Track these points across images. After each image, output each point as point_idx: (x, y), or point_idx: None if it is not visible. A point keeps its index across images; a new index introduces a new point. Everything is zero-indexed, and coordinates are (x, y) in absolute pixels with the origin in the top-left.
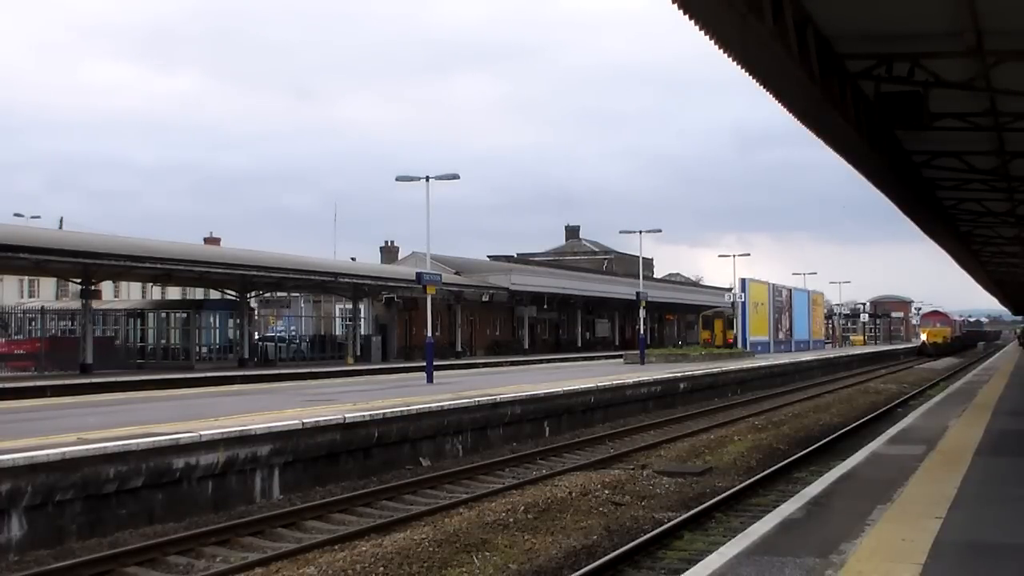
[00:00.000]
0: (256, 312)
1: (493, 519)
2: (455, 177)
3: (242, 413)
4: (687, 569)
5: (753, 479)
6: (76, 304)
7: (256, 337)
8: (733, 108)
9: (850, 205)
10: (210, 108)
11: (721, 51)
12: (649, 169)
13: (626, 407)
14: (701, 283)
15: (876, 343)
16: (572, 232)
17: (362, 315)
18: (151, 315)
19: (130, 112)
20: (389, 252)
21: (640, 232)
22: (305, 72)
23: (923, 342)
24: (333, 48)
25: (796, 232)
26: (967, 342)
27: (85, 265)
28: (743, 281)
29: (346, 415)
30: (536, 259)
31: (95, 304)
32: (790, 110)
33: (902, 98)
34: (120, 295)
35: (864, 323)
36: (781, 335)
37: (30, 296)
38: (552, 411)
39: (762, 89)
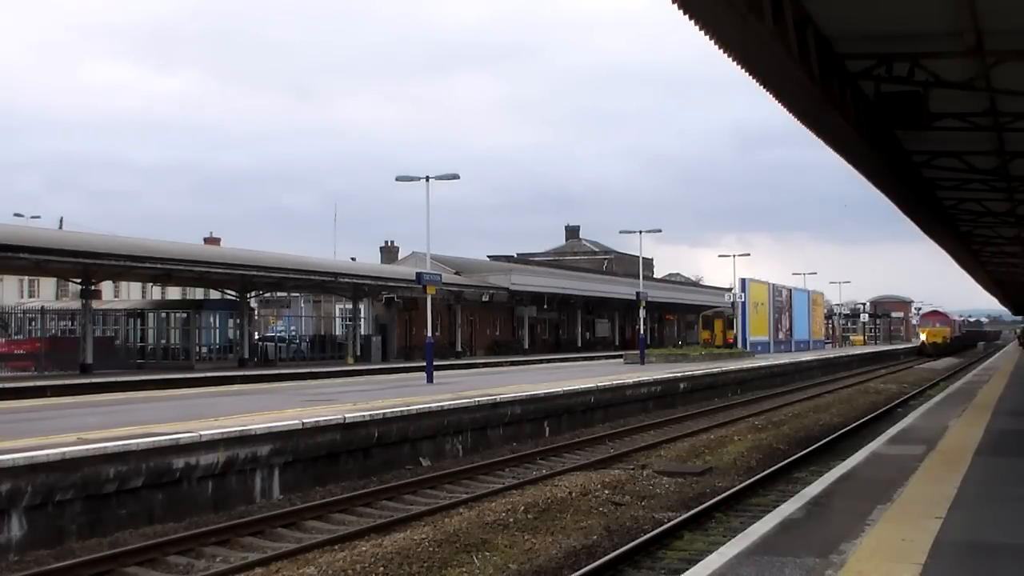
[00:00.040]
0: (256, 312)
1: (493, 519)
2: (455, 177)
3: (242, 413)
4: (687, 569)
5: (753, 479)
6: (76, 304)
7: (256, 337)
8: (733, 108)
9: (850, 205)
10: (210, 108)
11: (721, 51)
12: (649, 169)
13: (626, 407)
14: (701, 283)
15: (876, 343)
16: (572, 232)
17: (362, 315)
18: (151, 315)
19: (130, 112)
20: (389, 252)
21: (640, 232)
22: (305, 72)
23: (922, 342)
24: (333, 48)
25: (796, 232)
26: (967, 342)
27: (85, 265)
28: (743, 281)
29: (346, 415)
30: (536, 259)
31: (95, 304)
32: (790, 110)
33: (902, 98)
34: (120, 295)
35: (864, 323)
36: (781, 335)
37: (30, 296)
38: (552, 411)
39: (762, 89)
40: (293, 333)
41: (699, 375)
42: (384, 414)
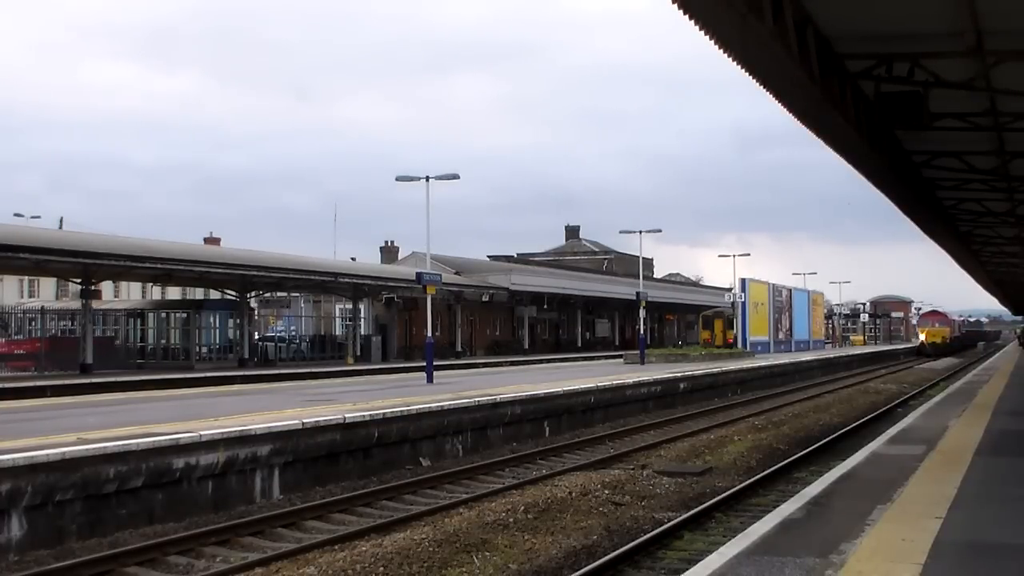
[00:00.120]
0: (256, 312)
1: (493, 519)
2: (455, 177)
3: (242, 413)
4: (687, 569)
5: (753, 479)
6: (76, 304)
7: (256, 337)
8: (733, 108)
9: (851, 205)
10: (210, 108)
11: (721, 51)
12: (649, 169)
13: (626, 407)
14: (701, 283)
15: (876, 343)
16: (572, 232)
17: (362, 315)
18: (151, 315)
19: (130, 112)
20: (389, 252)
21: (640, 232)
22: (305, 72)
23: (921, 342)
24: (333, 48)
25: (796, 232)
26: (967, 342)
27: (85, 265)
28: (743, 281)
29: (346, 415)
30: (536, 259)
31: (95, 304)
32: (790, 110)
33: (902, 98)
34: (120, 295)
35: (864, 323)
36: (781, 335)
37: (30, 296)
38: (552, 411)
39: (762, 89)
40: (293, 333)
41: (699, 375)
42: (384, 414)
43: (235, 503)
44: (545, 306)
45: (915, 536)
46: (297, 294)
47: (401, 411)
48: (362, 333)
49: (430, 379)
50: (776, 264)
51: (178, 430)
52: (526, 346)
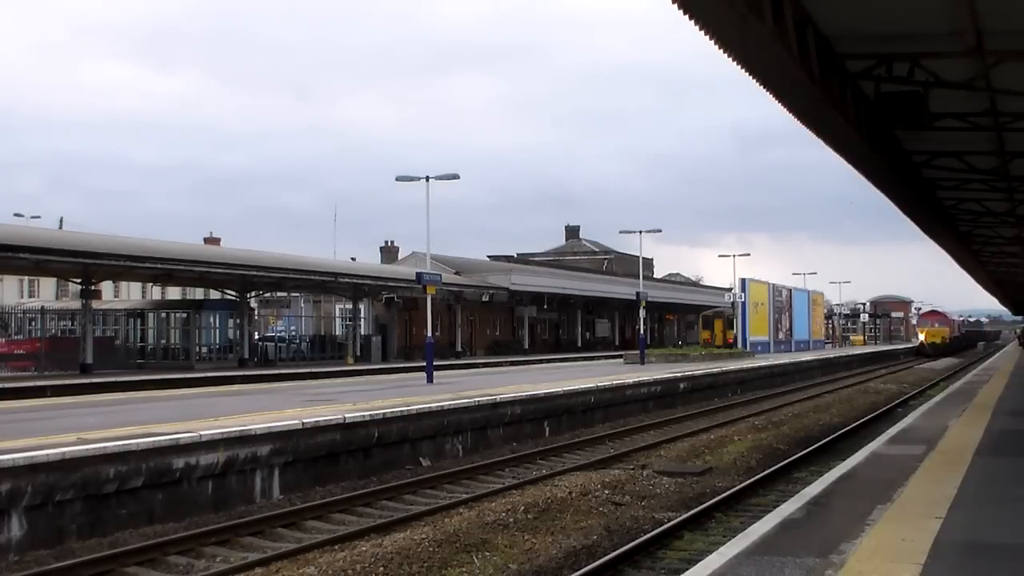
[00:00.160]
0: (256, 312)
1: (493, 519)
2: (455, 177)
3: (242, 413)
4: (687, 569)
5: (753, 479)
6: (76, 304)
7: (256, 337)
8: (733, 108)
9: (851, 204)
10: (210, 108)
11: (721, 51)
12: (649, 169)
13: (626, 407)
14: (701, 283)
15: (876, 343)
16: (572, 232)
17: (362, 315)
18: (151, 315)
19: (130, 112)
20: (389, 252)
21: (640, 232)
22: (305, 72)
23: (921, 342)
24: (333, 48)
25: (796, 232)
26: (966, 342)
27: (85, 265)
28: (743, 281)
29: (346, 415)
30: (536, 259)
31: (95, 304)
32: (790, 110)
33: (902, 98)
34: (120, 295)
35: (864, 323)
36: (781, 335)
37: (30, 296)
38: (552, 411)
39: (762, 89)
40: (293, 333)
41: (699, 375)
42: (384, 414)
43: (235, 503)
44: (545, 306)
45: (915, 536)
46: (297, 294)
47: (401, 411)
48: (362, 333)
49: (430, 379)
50: (776, 264)
51: (178, 430)
52: (526, 346)
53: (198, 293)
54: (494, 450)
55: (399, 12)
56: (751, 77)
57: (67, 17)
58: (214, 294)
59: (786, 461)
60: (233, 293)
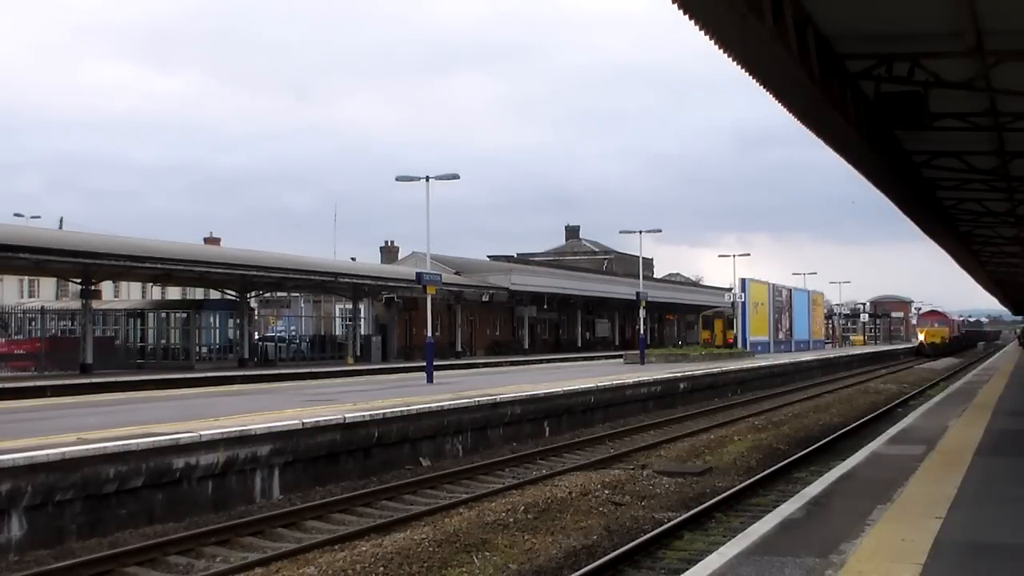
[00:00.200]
0: (256, 312)
1: (493, 519)
2: (455, 177)
3: (242, 413)
4: (687, 569)
5: (753, 479)
6: (76, 304)
7: (256, 337)
8: (733, 108)
9: (854, 204)
10: (210, 108)
11: (721, 51)
12: (649, 169)
13: (626, 407)
14: (701, 283)
15: (876, 343)
16: (572, 232)
17: (362, 315)
18: (151, 315)
19: (130, 112)
20: (389, 252)
21: (640, 232)
22: (305, 72)
23: (920, 342)
24: (333, 48)
25: (796, 232)
26: (966, 342)
27: (85, 265)
28: (743, 281)
29: (346, 415)
30: (536, 259)
31: (95, 304)
32: (790, 110)
33: (902, 98)
34: (120, 295)
35: (864, 323)
36: (781, 335)
37: (30, 296)
38: (552, 411)
39: (762, 89)
40: (293, 333)
41: (699, 375)
42: (384, 414)
43: (235, 503)
44: (545, 306)
45: (915, 536)
46: (297, 294)
47: (401, 411)
48: (362, 333)
49: (430, 379)
50: (776, 264)
51: (178, 430)
52: (526, 346)
53: (198, 293)
54: (494, 450)
55: (399, 12)
56: (751, 77)
57: (67, 17)
58: (214, 294)
59: (786, 461)
60: (233, 293)
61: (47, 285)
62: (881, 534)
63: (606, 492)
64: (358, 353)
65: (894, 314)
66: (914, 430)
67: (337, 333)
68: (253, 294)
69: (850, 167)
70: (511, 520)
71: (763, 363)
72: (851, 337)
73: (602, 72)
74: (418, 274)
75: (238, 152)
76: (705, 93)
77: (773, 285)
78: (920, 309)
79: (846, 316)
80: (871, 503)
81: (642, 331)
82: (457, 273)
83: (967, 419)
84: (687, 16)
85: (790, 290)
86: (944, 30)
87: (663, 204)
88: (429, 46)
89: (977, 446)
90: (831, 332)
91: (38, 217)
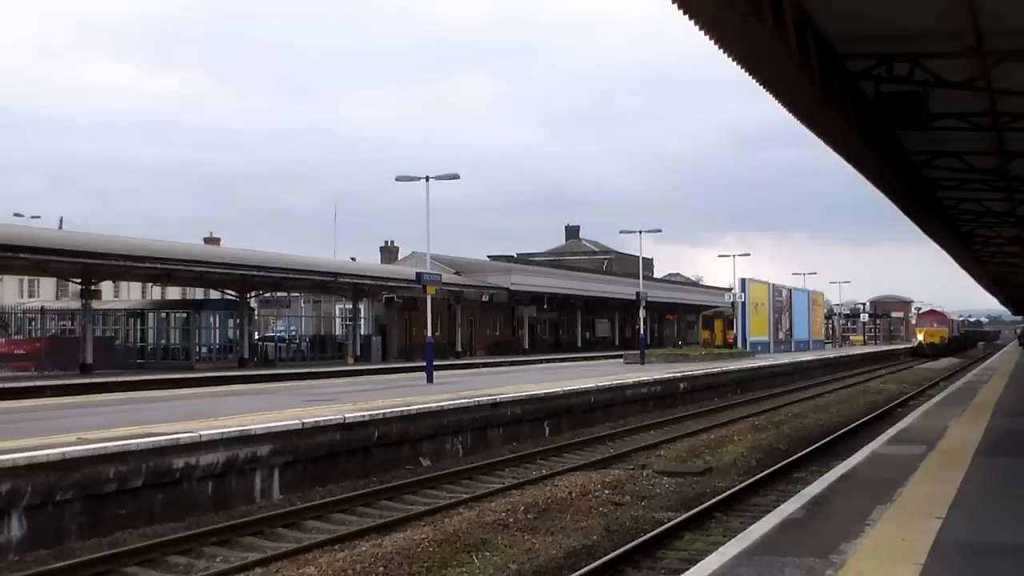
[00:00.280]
0: (256, 312)
1: (493, 519)
2: (455, 177)
3: (242, 413)
4: (687, 569)
5: (753, 479)
6: (76, 304)
7: (256, 337)
8: (733, 108)
9: (851, 205)
10: (210, 108)
11: (721, 51)
12: (649, 169)
13: (626, 407)
14: (701, 283)
15: (876, 343)
16: (572, 232)
17: (362, 315)
18: (151, 315)
19: (130, 112)
20: (389, 252)
21: (640, 232)
22: (305, 72)
23: (919, 342)
24: (333, 48)
25: (796, 232)
26: (966, 342)
27: (85, 265)
28: (743, 281)
29: (346, 415)
30: (536, 259)
31: (95, 304)
32: (790, 110)
33: (902, 98)
34: (120, 295)
35: (864, 323)
36: (781, 335)
37: (30, 296)
38: (552, 411)
39: (762, 89)
40: (293, 333)
41: (699, 375)
42: (384, 414)
43: (235, 503)
44: (545, 306)
45: (915, 536)
46: (297, 294)
47: (401, 411)
48: (362, 333)
49: (430, 379)
50: (776, 264)
51: (178, 430)
52: (526, 346)
53: (198, 293)
54: (494, 450)
55: (399, 12)
56: (751, 77)
57: (67, 17)
58: (214, 294)
59: (786, 461)
60: (233, 293)
61: (47, 285)
62: (881, 534)
63: (606, 492)
64: (358, 353)
65: (894, 314)
66: (914, 430)
67: (337, 333)
68: (253, 294)
69: (850, 167)
70: (511, 520)
71: (763, 363)
72: (851, 337)
73: (602, 72)
74: (418, 274)
75: (238, 152)
76: (705, 93)
77: (773, 285)
78: (920, 309)
79: (846, 316)
80: (871, 503)
81: (642, 331)
82: (457, 273)
83: (967, 419)
84: (687, 16)
85: (790, 290)
86: (944, 30)
87: (663, 204)
88: (429, 46)
89: (977, 446)
90: (831, 332)
91: (38, 217)
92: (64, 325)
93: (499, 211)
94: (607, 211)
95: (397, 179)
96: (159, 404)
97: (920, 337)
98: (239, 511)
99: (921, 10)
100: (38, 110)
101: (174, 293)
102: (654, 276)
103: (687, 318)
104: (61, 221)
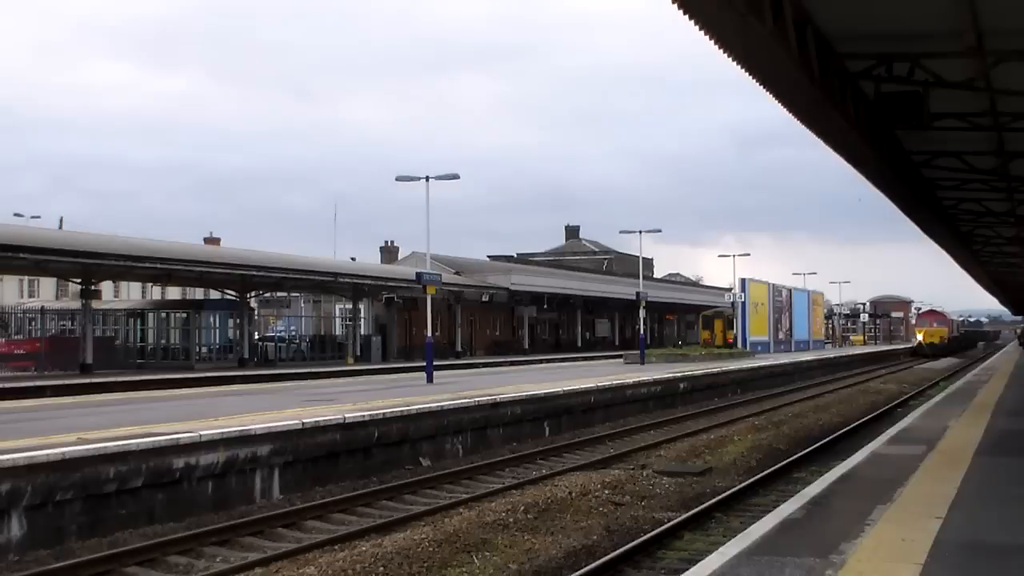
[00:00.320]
0: (256, 312)
1: (493, 519)
2: (455, 177)
3: (242, 413)
4: (687, 569)
5: (753, 479)
6: (76, 304)
7: (256, 337)
8: (733, 108)
9: (851, 205)
10: (210, 108)
11: (721, 51)
12: (649, 169)
13: (626, 407)
14: (701, 283)
15: (876, 343)
16: (572, 232)
17: (362, 315)
18: (151, 315)
19: (130, 112)
20: (389, 252)
21: (640, 232)
22: (305, 72)
23: (919, 342)
24: (333, 48)
25: (796, 232)
26: (966, 342)
27: (85, 265)
28: (743, 281)
29: (346, 415)
30: (536, 259)
31: (95, 304)
32: (790, 110)
33: (902, 98)
34: (120, 295)
35: (864, 323)
36: (781, 335)
37: (30, 296)
38: (552, 411)
39: (762, 89)
40: (293, 333)
41: (699, 375)
42: (384, 414)
43: (235, 503)
44: (545, 306)
45: (915, 536)
46: (297, 294)
47: (401, 411)
48: (362, 333)
49: (430, 379)
50: (776, 264)
51: (178, 430)
52: (526, 346)
53: (198, 293)
54: (494, 450)
55: (399, 12)
56: (751, 77)
57: (67, 17)
58: (214, 294)
59: (786, 461)
60: (233, 293)
61: (47, 285)
62: (881, 534)
63: (606, 492)
64: (358, 353)
65: (894, 314)
66: (914, 430)
67: (337, 333)
68: (253, 294)
69: (850, 167)
70: (511, 520)
71: (763, 363)
72: (851, 337)
73: (602, 72)
74: (418, 274)
75: (238, 152)
76: (705, 93)
77: (773, 285)
78: (920, 309)
79: (846, 316)
80: (871, 503)
81: (642, 331)
82: (457, 273)
83: (967, 419)
84: (687, 16)
85: (790, 290)
86: (944, 30)
87: (663, 204)
88: (429, 46)
89: (977, 446)
90: (831, 332)
91: (38, 217)
92: (64, 325)
93: (499, 211)
94: (607, 211)
95: (397, 179)
96: (159, 404)
97: (919, 337)
98: (239, 511)
99: (921, 10)
100: (38, 110)
101: (174, 293)
102: (654, 276)
103: (687, 318)
104: (61, 221)
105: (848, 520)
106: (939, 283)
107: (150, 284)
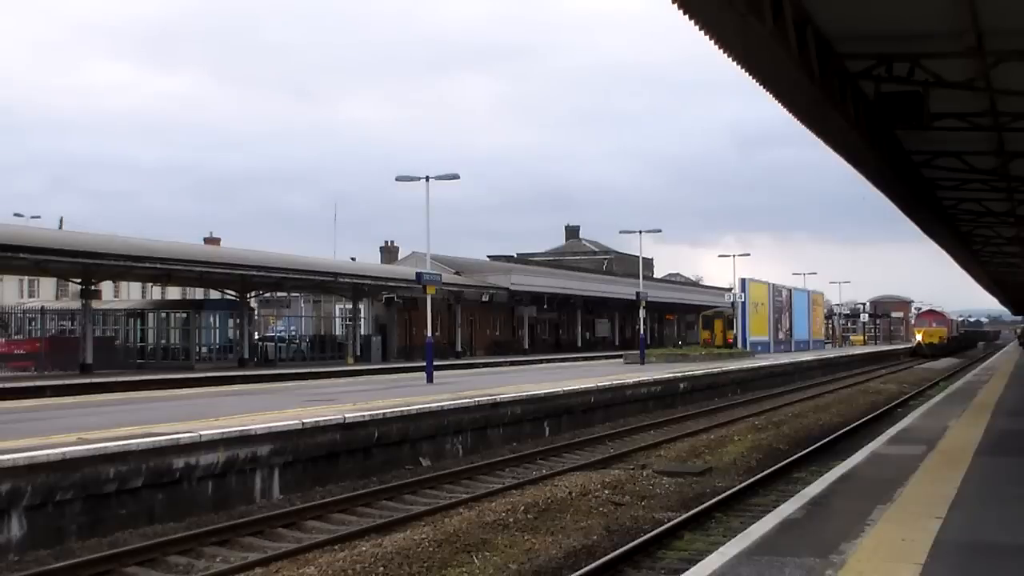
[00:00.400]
0: (256, 312)
1: (493, 519)
2: (455, 177)
3: (242, 413)
4: (687, 569)
5: (753, 479)
6: (76, 304)
7: (256, 337)
8: (733, 108)
9: (850, 205)
10: (210, 108)
11: (721, 51)
12: (649, 169)
13: (626, 407)
14: (701, 283)
15: (876, 343)
16: (572, 232)
17: (362, 315)
18: (151, 315)
19: (130, 112)
20: (389, 252)
21: (640, 232)
22: (305, 72)
23: (918, 342)
24: (333, 48)
25: (796, 232)
26: (965, 342)
27: (85, 265)
28: (743, 281)
29: (346, 415)
30: (536, 259)
31: (95, 304)
32: (790, 110)
33: (902, 98)
34: (120, 295)
35: (864, 323)
36: (781, 335)
37: (30, 296)
38: (552, 411)
39: (762, 89)
40: (293, 333)
41: (699, 375)
42: (384, 414)
43: (235, 503)
44: (545, 306)
45: (915, 536)
46: (297, 294)
47: (401, 411)
48: (362, 333)
49: (430, 379)
50: (776, 264)
51: (178, 430)
52: (526, 346)
53: (198, 293)
54: (494, 450)
55: (399, 12)
56: (751, 77)
57: (67, 16)
58: (214, 294)
59: (786, 461)
60: (233, 293)
61: (47, 285)
62: (881, 534)
63: (606, 492)
64: (358, 353)
65: (894, 314)
66: (914, 430)
67: (337, 333)
68: (253, 294)
69: (850, 167)
70: (511, 520)
71: (763, 363)
72: (851, 337)
73: (602, 72)
74: (418, 274)
75: (238, 152)
76: (705, 93)
77: (773, 285)
78: (920, 309)
79: (846, 316)
80: (871, 503)
81: (642, 331)
82: (457, 273)
83: (967, 419)
84: (687, 16)
85: (790, 290)
86: (944, 30)
87: (663, 204)
88: (430, 46)
89: (977, 446)
90: (831, 332)
91: (38, 217)
92: (64, 325)
93: (499, 211)
94: (607, 211)
95: (397, 179)
96: (159, 404)
97: (919, 337)
98: (239, 511)
99: (921, 10)
100: (38, 110)
101: (174, 293)
102: (654, 276)
103: (687, 318)
104: (61, 221)
105: (848, 520)
106: (939, 283)
107: (150, 284)
